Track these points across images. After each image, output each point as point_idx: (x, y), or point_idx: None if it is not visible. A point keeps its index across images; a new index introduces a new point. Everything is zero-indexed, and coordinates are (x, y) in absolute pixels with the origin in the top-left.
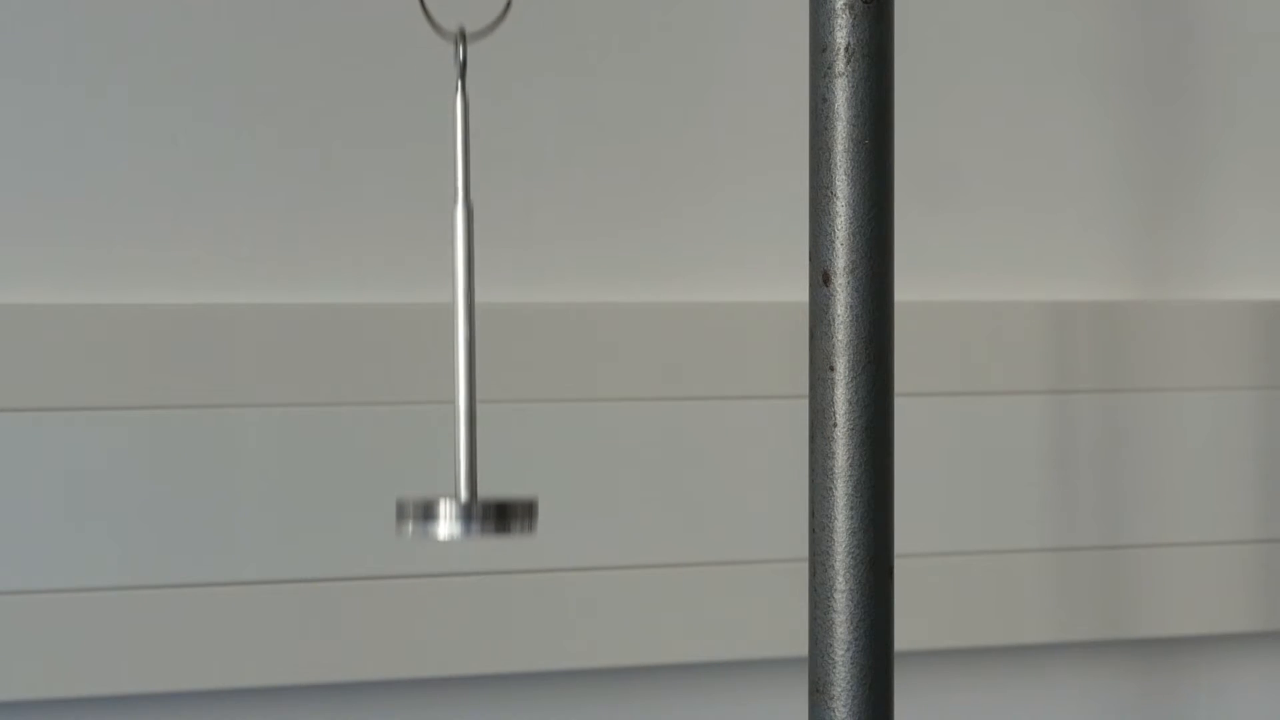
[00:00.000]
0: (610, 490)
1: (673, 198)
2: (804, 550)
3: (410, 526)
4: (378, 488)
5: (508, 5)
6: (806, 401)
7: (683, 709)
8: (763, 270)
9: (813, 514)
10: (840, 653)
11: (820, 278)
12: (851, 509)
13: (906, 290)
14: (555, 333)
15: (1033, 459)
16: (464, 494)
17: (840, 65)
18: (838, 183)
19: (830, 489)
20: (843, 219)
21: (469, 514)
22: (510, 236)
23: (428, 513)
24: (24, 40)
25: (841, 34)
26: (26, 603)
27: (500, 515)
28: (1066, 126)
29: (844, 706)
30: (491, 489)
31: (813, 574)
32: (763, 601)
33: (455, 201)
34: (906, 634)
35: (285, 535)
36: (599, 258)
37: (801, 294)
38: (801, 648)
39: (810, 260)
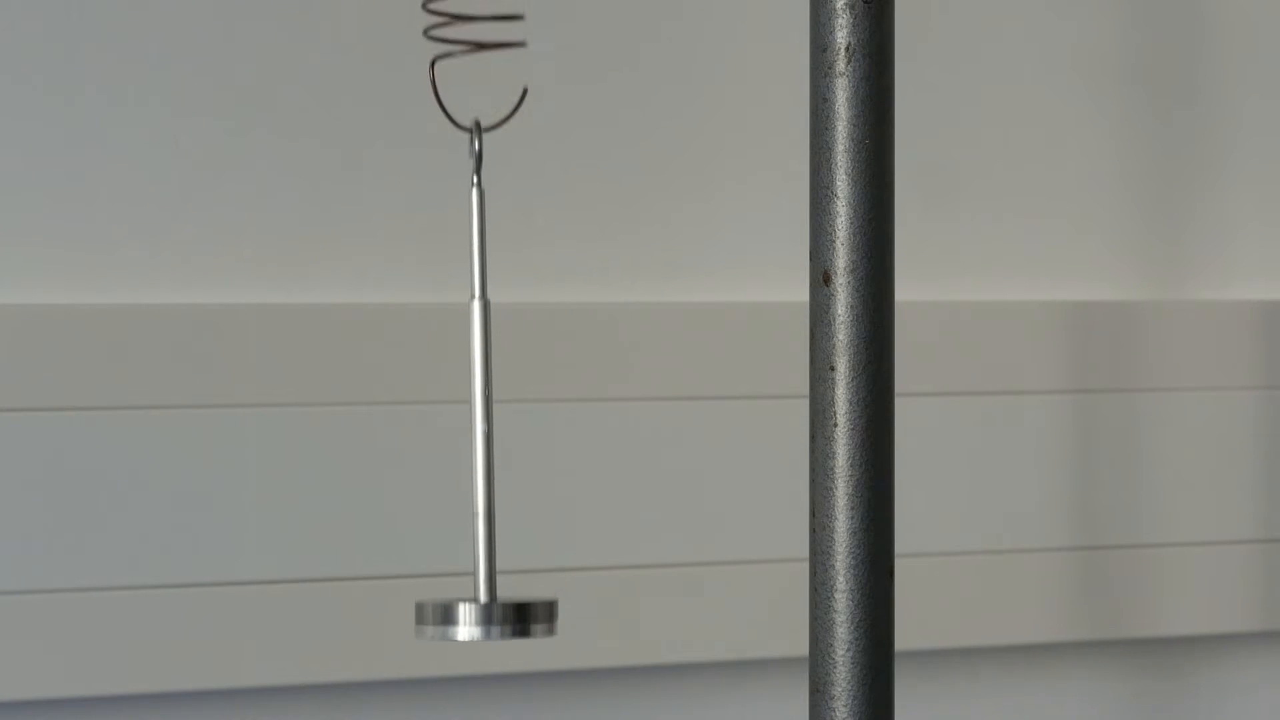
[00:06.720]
0: (610, 490)
1: (673, 198)
2: (804, 550)
3: (429, 631)
4: (378, 488)
5: (523, 96)
6: (806, 401)
7: (683, 709)
8: (763, 270)
9: (813, 514)
10: (840, 653)
11: (820, 278)
12: (851, 509)
13: (906, 290)
14: (555, 333)
15: (1033, 459)
16: (483, 595)
17: (840, 65)
18: (838, 183)
19: (830, 489)
20: (843, 219)
21: (489, 617)
22: (511, 236)
23: (447, 616)
24: (25, 40)
25: (841, 34)
26: (26, 603)
27: (520, 618)
28: (1067, 126)
29: (844, 706)
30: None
31: (813, 574)
32: (763, 601)
33: (472, 296)
34: (906, 634)
35: (285, 535)
36: (600, 258)
37: (801, 294)
38: (801, 648)
39: (810, 260)
